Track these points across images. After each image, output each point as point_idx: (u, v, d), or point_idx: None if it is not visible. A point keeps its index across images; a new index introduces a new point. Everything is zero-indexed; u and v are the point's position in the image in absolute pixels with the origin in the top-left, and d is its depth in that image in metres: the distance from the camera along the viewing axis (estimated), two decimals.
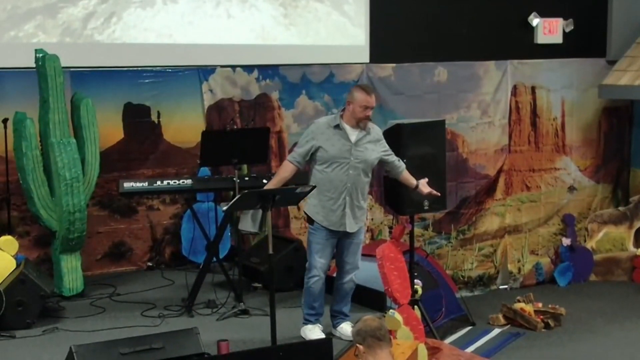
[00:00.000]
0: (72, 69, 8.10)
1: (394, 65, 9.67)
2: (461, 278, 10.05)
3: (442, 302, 8.40)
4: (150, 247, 8.82)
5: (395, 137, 7.34)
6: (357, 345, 4.89)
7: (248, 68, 9.04)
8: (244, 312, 7.35)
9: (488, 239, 10.28)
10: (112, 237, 8.66)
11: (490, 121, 10.22)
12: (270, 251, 6.10)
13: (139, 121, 8.71)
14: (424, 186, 6.94)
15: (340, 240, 6.78)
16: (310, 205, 6.68)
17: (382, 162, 6.86)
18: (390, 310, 6.66)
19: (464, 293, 9.59)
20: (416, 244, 8.30)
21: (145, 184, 7.77)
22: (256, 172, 8.32)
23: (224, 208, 6.68)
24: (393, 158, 6.87)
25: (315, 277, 6.73)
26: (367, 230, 9.56)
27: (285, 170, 6.71)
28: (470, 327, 8.62)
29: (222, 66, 8.94)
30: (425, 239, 9.90)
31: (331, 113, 9.31)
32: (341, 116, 6.67)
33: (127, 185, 7.69)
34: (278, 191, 6.24)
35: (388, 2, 9.58)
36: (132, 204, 8.69)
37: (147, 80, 8.65)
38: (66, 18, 8.28)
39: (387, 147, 6.83)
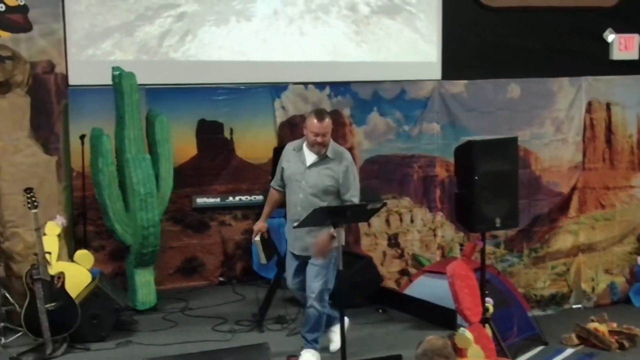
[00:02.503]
0: (147, 86, 8.22)
1: (466, 81, 9.63)
2: (534, 297, 9.92)
3: (513, 321, 8.30)
4: (222, 262, 8.89)
5: (467, 154, 7.31)
6: None
7: (320, 85, 9.09)
8: None
9: (561, 257, 10.14)
10: (185, 252, 8.75)
11: (564, 138, 10.10)
12: (340, 267, 6.11)
13: (212, 137, 8.80)
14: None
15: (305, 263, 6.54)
16: None
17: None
18: (461, 329, 6.62)
19: (537, 312, 9.46)
20: (487, 262, 8.19)
21: (218, 199, 7.86)
22: None
23: (295, 225, 6.71)
24: (343, 191, 6.34)
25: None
26: (438, 248, 9.52)
27: (270, 196, 6.71)
28: (542, 347, 8.51)
29: (294, 83, 9.00)
30: (497, 256, 9.81)
31: (402, 130, 9.36)
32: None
33: (200, 200, 7.79)
34: (349, 207, 6.24)
35: (460, 18, 9.55)
36: (204, 219, 8.77)
37: (220, 97, 8.75)
38: (142, 36, 8.44)
39: (347, 178, 6.33)
